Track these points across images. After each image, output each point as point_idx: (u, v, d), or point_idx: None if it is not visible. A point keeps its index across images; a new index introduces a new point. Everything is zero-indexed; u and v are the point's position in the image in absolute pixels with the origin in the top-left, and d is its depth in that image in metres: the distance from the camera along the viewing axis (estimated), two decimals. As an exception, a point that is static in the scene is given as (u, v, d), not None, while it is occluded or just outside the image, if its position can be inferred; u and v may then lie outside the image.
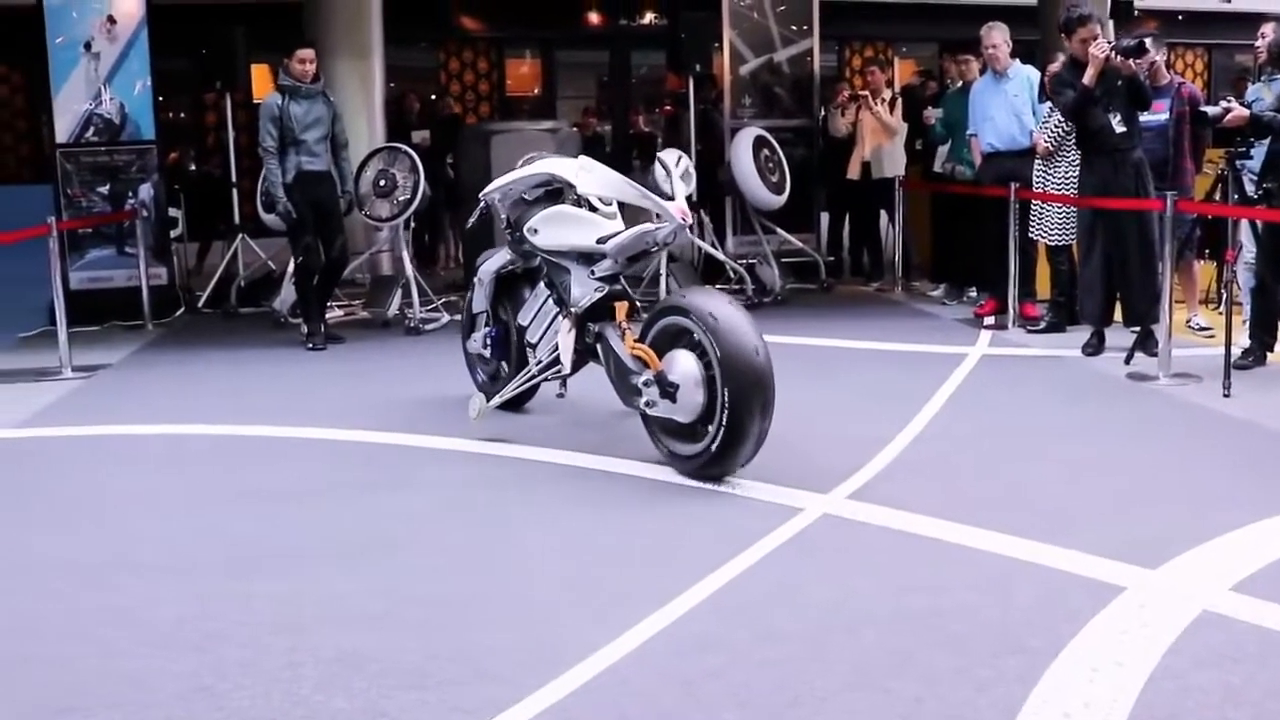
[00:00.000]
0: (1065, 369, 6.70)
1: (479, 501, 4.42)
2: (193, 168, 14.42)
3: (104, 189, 9.47)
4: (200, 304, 9.91)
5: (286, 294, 8.88)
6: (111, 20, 9.36)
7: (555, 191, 5.23)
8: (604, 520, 4.14)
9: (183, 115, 18.07)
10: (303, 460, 5.14)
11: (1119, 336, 6.92)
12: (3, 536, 4.16)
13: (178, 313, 9.63)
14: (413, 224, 9.18)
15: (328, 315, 8.50)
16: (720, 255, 10.00)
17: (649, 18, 19.41)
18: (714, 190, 10.42)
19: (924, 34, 20.29)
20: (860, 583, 3.45)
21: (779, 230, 10.21)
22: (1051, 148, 7.51)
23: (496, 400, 5.39)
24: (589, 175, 4.96)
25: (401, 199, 8.77)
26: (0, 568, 3.82)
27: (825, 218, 11.27)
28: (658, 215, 4.80)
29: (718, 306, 4.41)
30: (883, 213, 10.50)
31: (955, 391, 6.09)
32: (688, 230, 4.95)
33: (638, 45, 19.99)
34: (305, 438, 5.49)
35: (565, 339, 5.00)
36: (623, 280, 4.98)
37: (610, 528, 4.06)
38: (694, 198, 9.49)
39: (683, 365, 4.46)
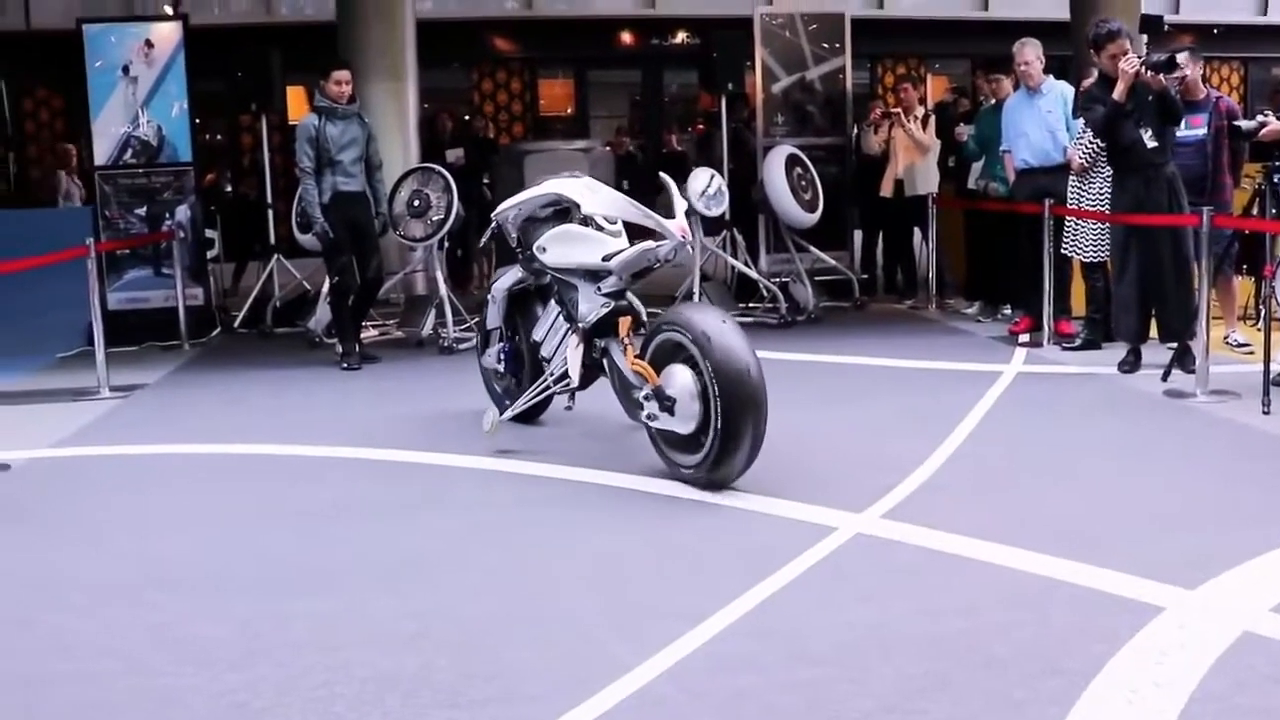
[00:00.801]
0: (1101, 386, 6.64)
1: (513, 521, 4.43)
2: (229, 189, 14.57)
3: (142, 210, 9.57)
4: (236, 324, 9.99)
5: (321, 314, 8.93)
6: (149, 44, 9.48)
7: (563, 211, 5.40)
8: (637, 539, 4.14)
9: (219, 137, 18.29)
10: (338, 479, 5.17)
11: (1155, 353, 6.87)
12: (40, 554, 4.20)
13: (214, 333, 9.71)
14: (446, 244, 9.22)
15: (363, 335, 8.55)
16: (753, 274, 9.99)
17: (681, 37, 19.48)
18: (746, 209, 10.41)
19: (956, 51, 20.29)
20: (895, 603, 3.43)
21: (812, 248, 10.18)
22: (1086, 164, 7.47)
23: (509, 413, 5.57)
24: (594, 195, 5.15)
25: (435, 219, 8.81)
26: (37, 585, 3.86)
27: (858, 235, 11.25)
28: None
29: (709, 322, 4.54)
30: (916, 230, 10.46)
31: (990, 410, 6.06)
32: (688, 247, 5.10)
33: (670, 65, 20.06)
34: (340, 457, 5.51)
35: (574, 354, 5.17)
36: (628, 296, 5.14)
37: (644, 547, 4.05)
38: (726, 216, 9.55)
39: (679, 379, 4.61)
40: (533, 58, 19.60)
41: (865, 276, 10.99)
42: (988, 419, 5.85)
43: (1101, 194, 7.41)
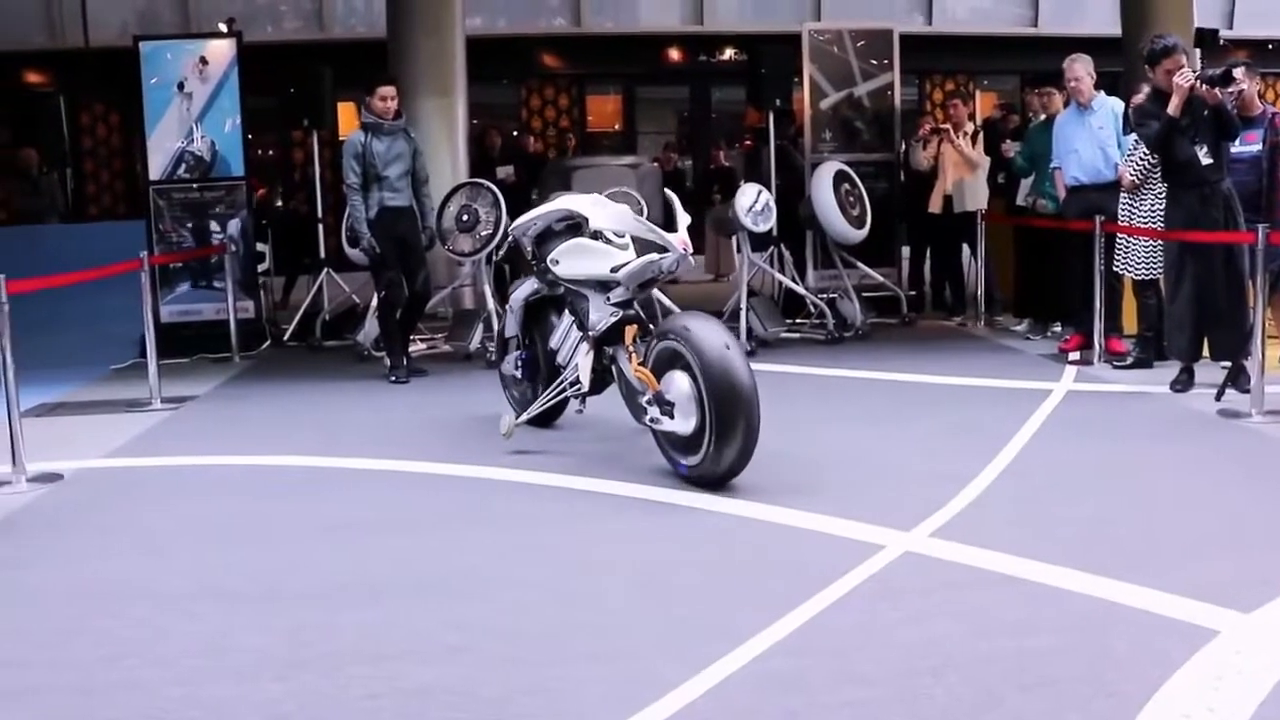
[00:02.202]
0: (1153, 405, 6.56)
1: (559, 535, 4.43)
2: (280, 203, 14.72)
3: (194, 224, 9.68)
4: (286, 337, 10.08)
5: (370, 327, 9.00)
6: (204, 61, 9.60)
7: (575, 226, 5.69)
8: (681, 554, 4.12)
9: (271, 152, 18.49)
10: (385, 492, 5.19)
11: (1208, 372, 6.77)
12: (92, 563, 4.25)
13: (264, 346, 9.80)
14: (494, 259, 9.26)
15: (411, 348, 8.59)
16: (800, 290, 9.96)
17: (729, 53, 19.50)
18: (794, 225, 10.39)
19: (1005, 67, 20.17)
20: (944, 623, 3.39)
21: (860, 264, 10.15)
22: (1137, 180, 7.38)
23: (524, 416, 5.87)
24: (602, 211, 5.48)
25: (484, 234, 8.85)
26: (88, 594, 3.89)
27: (906, 251, 11.19)
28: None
29: (698, 328, 4.83)
30: (965, 247, 10.40)
31: (1040, 428, 5.99)
32: (690, 259, 5.36)
33: (717, 81, 20.08)
34: (387, 470, 5.54)
35: (584, 360, 5.51)
36: (636, 305, 5.45)
37: (688, 562, 4.04)
38: (774, 232, 9.53)
39: (678, 384, 4.89)
40: (581, 74, 19.69)
41: (913, 293, 10.94)
42: (1038, 437, 5.79)
43: (1153, 211, 7.32)
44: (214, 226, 9.68)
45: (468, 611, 3.62)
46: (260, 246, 10.67)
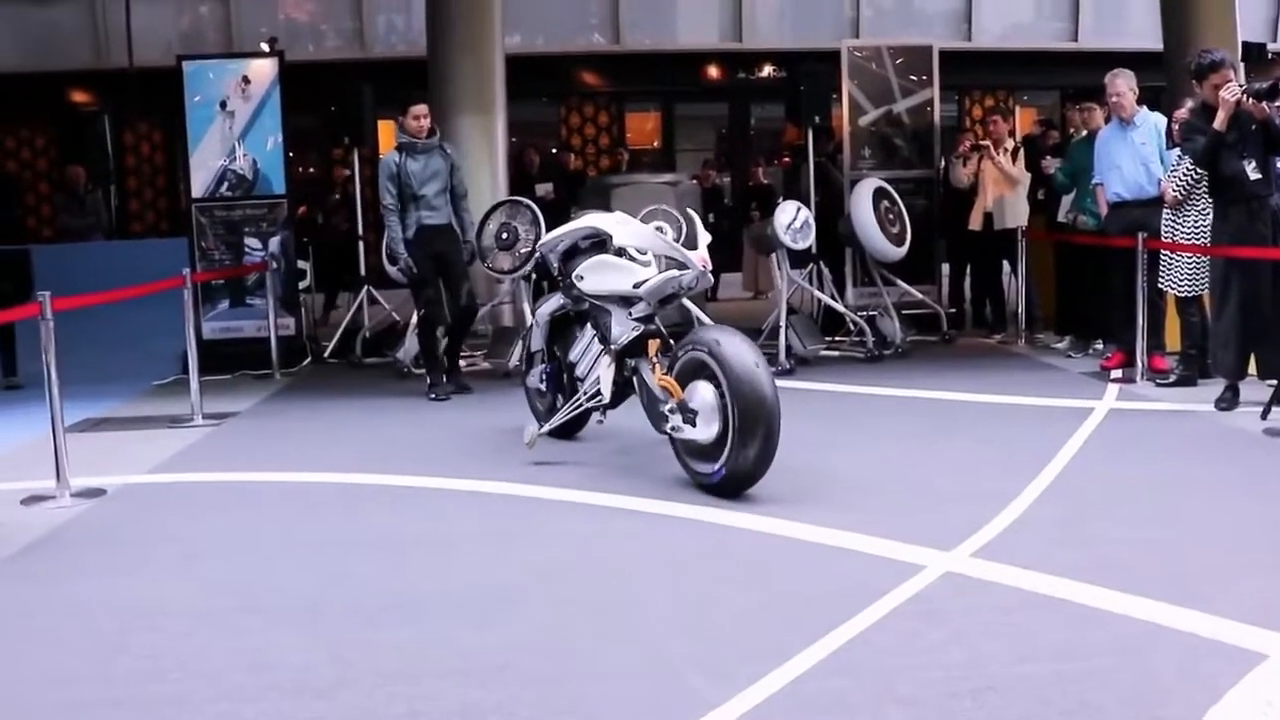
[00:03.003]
0: (1198, 424, 6.49)
1: (599, 554, 4.42)
2: (320, 221, 14.82)
3: (236, 242, 9.77)
4: (326, 354, 10.13)
5: (410, 345, 9.04)
6: (246, 80, 9.70)
7: (600, 243, 5.82)
8: (722, 574, 4.11)
9: (311, 170, 18.64)
10: (424, 509, 5.21)
11: (1254, 390, 6.69)
12: (135, 578, 4.28)
13: (304, 363, 9.86)
14: (534, 276, 9.29)
15: (461, 363, 8.60)
16: (840, 307, 9.93)
17: (767, 70, 19.50)
18: (833, 242, 10.36)
19: (1045, 82, 20.04)
20: (986, 645, 3.36)
21: (899, 282, 10.11)
22: (1180, 196, 7.32)
23: (546, 428, 5.98)
24: (625, 228, 5.67)
25: (523, 251, 8.88)
26: (131, 608, 3.93)
27: (946, 269, 11.14)
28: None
29: (727, 341, 5.01)
30: (1005, 264, 10.34)
31: (1082, 447, 5.94)
32: (709, 276, 5.60)
33: (756, 98, 20.09)
34: (427, 487, 5.56)
35: (606, 373, 5.66)
36: (657, 320, 5.63)
37: (728, 581, 4.02)
38: (813, 249, 9.51)
39: (701, 394, 5.05)
40: (620, 91, 19.75)
41: (953, 310, 10.88)
42: (1080, 456, 5.73)
43: (1197, 227, 7.26)
44: (255, 244, 9.77)
45: (508, 629, 3.62)
46: (301, 264, 10.76)
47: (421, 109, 7.94)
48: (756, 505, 4.86)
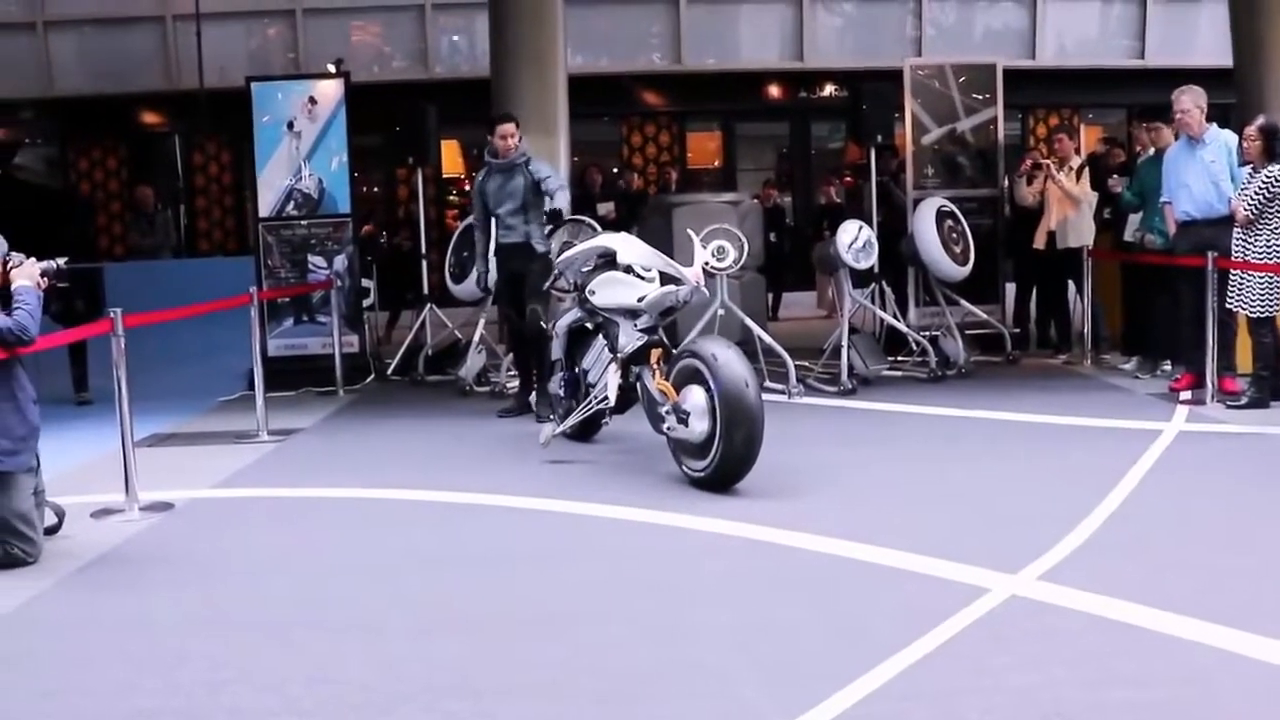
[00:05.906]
0: (1270, 447, 6.35)
1: (657, 573, 4.40)
2: (384, 239, 14.96)
3: (301, 260, 9.89)
4: (389, 372, 10.21)
5: (472, 363, 9.10)
6: (313, 100, 9.84)
7: (612, 261, 6.31)
8: (783, 595, 4.08)
9: (376, 189, 18.84)
10: (485, 526, 5.22)
11: (1330, 414, 6.55)
12: (200, 591, 4.32)
13: (368, 380, 9.93)
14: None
15: (509, 382, 8.63)
16: (902, 327, 9.85)
17: (829, 89, 19.45)
18: (895, 261, 10.29)
19: (1110, 100, 19.79)
20: (1053, 670, 3.29)
21: (963, 301, 10.02)
22: (1251, 215, 7.19)
23: (560, 429, 6.50)
24: (629, 247, 6.31)
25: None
26: (196, 621, 3.97)
27: (1011, 288, 11.02)
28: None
29: (718, 350, 5.48)
30: (1070, 283, 10.21)
31: (1150, 469, 5.83)
32: (704, 291, 6.27)
33: (818, 117, 20.04)
34: (488, 504, 5.57)
35: (612, 379, 6.18)
36: (660, 331, 6.14)
37: (789, 603, 3.99)
38: (875, 269, 9.46)
39: (694, 397, 5.51)
40: (681, 111, 19.78)
41: (1018, 330, 10.74)
42: (1148, 478, 5.63)
43: (1269, 245, 7.13)
44: (320, 262, 9.88)
45: (564, 647, 3.61)
46: (365, 282, 10.86)
47: (507, 128, 7.90)
48: (818, 525, 4.81)
